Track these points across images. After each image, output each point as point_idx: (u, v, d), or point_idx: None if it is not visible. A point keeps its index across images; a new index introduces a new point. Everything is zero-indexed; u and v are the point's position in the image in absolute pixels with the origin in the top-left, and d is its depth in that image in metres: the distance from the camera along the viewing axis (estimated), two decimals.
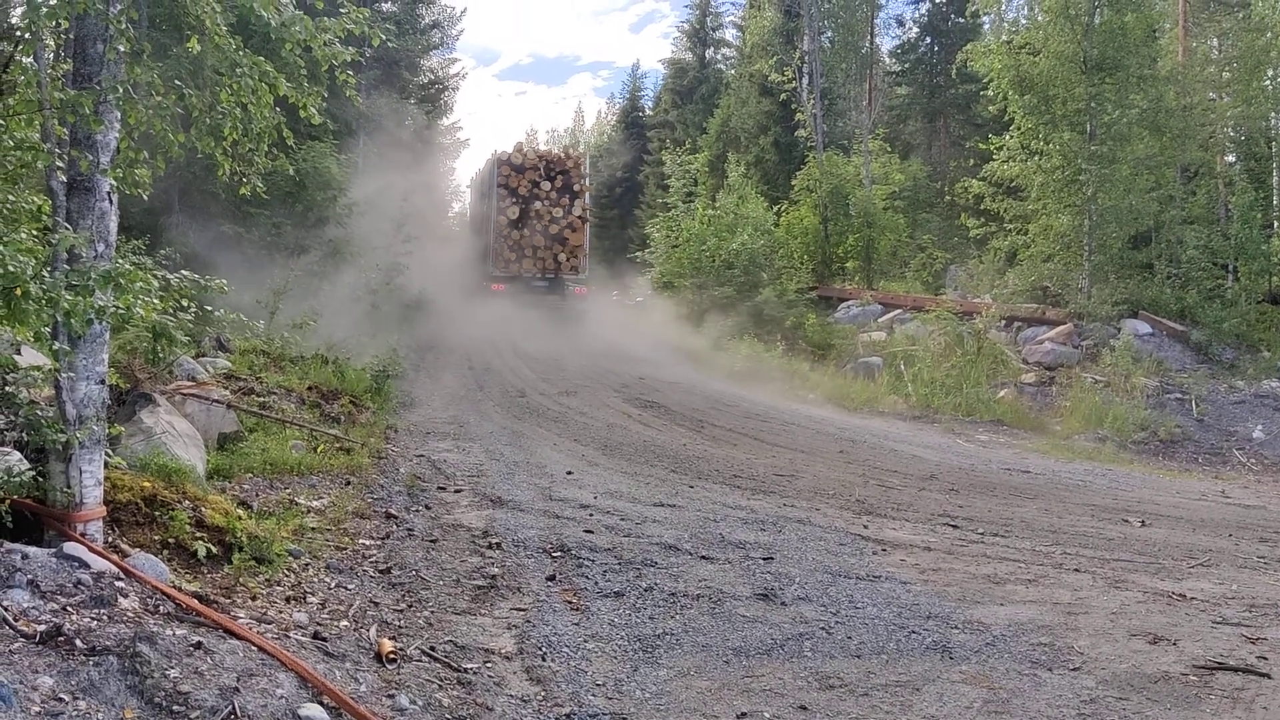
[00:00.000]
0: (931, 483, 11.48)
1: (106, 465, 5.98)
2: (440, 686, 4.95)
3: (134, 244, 12.39)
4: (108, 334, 5.86)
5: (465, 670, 5.15)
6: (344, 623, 5.61)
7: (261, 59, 6.05)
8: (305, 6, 6.12)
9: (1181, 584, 7.39)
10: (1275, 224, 23.92)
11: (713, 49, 58.08)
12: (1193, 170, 25.27)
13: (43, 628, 4.20)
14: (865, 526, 8.90)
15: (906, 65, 43.58)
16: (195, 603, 5.02)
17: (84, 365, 5.59)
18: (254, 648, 4.62)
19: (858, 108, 37.63)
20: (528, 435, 12.93)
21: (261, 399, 11.44)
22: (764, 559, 7.51)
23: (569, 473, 10.55)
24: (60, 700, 3.80)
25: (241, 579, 6.01)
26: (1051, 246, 22.21)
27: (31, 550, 4.97)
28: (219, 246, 21.46)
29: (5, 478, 5.47)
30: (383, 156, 33.60)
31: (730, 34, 57.15)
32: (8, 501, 5.37)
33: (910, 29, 43.28)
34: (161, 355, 9.37)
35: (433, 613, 6.03)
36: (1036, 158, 22.35)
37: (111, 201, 5.64)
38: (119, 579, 5.06)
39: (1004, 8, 25.09)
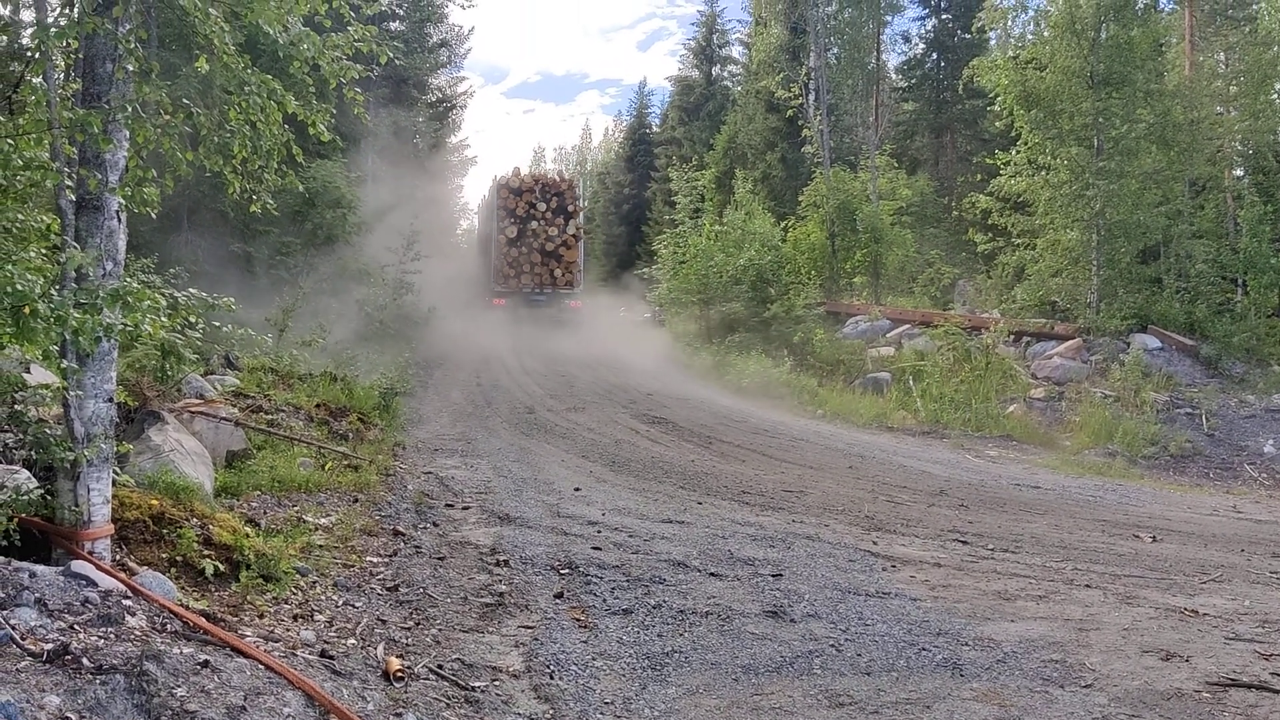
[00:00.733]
0: (941, 498, 11.43)
1: (114, 483, 5.98)
2: (448, 705, 4.93)
3: (143, 262, 12.44)
4: (116, 352, 5.86)
5: (473, 688, 5.12)
6: (351, 641, 5.59)
7: (270, 77, 6.07)
8: (313, 24, 6.15)
9: (1194, 600, 7.34)
10: None
11: (719, 66, 58.29)
12: (1201, 184, 25.23)
13: (50, 646, 4.19)
14: (875, 543, 8.86)
15: (913, 81, 43.61)
16: (203, 621, 5.01)
17: (92, 383, 5.60)
18: (261, 666, 4.61)
19: (864, 123, 37.72)
20: (535, 452, 12.92)
21: (270, 416, 11.45)
22: (773, 576, 7.48)
23: (577, 489, 10.53)
24: (67, 719, 3.78)
25: (249, 597, 5.99)
26: (1060, 261, 22.17)
27: (39, 568, 4.97)
28: (228, 264, 21.56)
29: (13, 496, 5.47)
30: (391, 174, 33.80)
31: (737, 51, 57.41)
32: (16, 519, 5.37)
33: (916, 45, 43.40)
34: (170, 373, 9.37)
35: (440, 630, 6.01)
36: (1044, 172, 22.34)
37: (120, 220, 5.66)
38: (126, 597, 5.05)
39: (1010, 23, 25.10)
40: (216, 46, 5.82)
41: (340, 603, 6.31)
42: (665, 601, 6.72)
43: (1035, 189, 22.51)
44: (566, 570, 7.39)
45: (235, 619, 5.54)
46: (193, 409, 9.60)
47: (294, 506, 8.55)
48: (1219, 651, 6.05)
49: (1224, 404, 17.94)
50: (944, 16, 41.40)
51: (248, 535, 6.66)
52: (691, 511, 9.76)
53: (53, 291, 4.89)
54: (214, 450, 9.13)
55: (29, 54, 5.91)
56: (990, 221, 24.18)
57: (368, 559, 7.42)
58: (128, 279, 5.82)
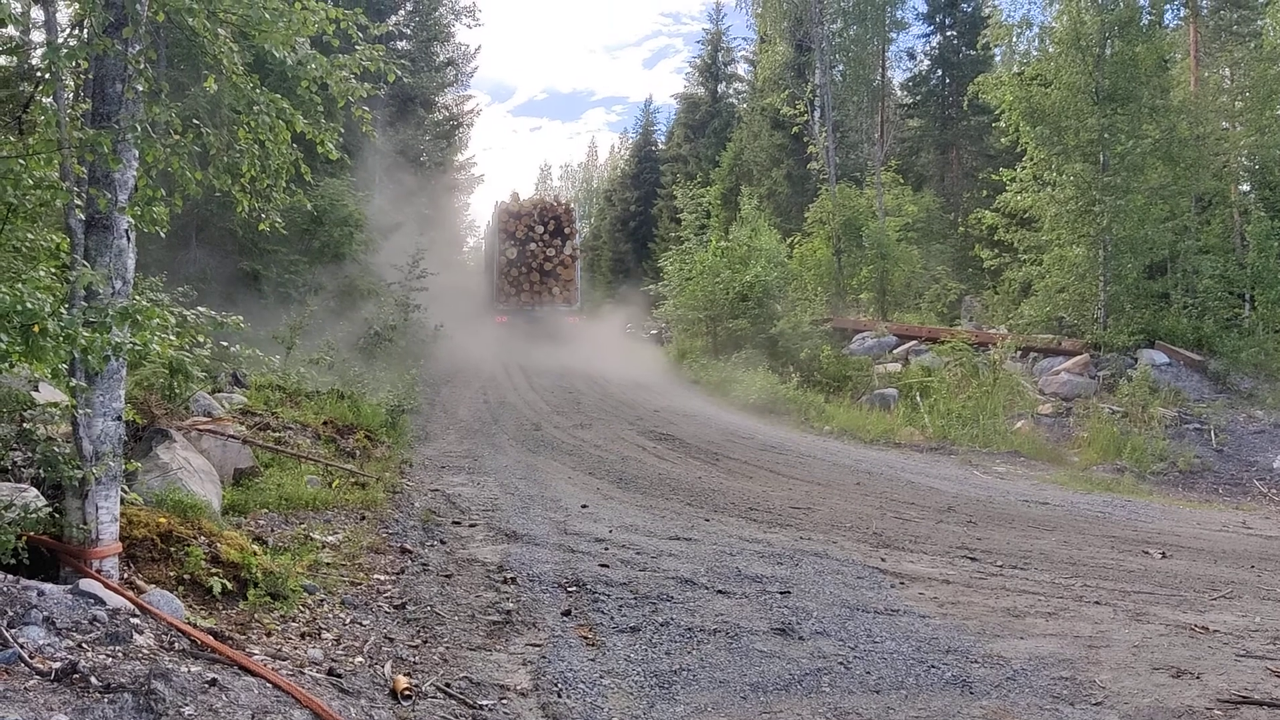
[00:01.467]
0: (949, 515, 11.40)
1: (123, 501, 6.00)
2: None
3: (151, 280, 12.48)
4: (125, 370, 5.89)
5: (480, 707, 5.11)
6: (359, 659, 5.59)
7: (278, 96, 6.11)
8: (321, 44, 6.19)
9: (1204, 616, 7.30)
10: None
11: (725, 83, 58.50)
12: (1207, 199, 25.20)
13: (58, 665, 4.20)
14: (883, 559, 8.83)
15: (918, 97, 43.70)
16: (210, 639, 5.01)
17: (101, 401, 5.62)
18: (269, 684, 4.60)
19: (870, 140, 37.79)
20: (542, 469, 12.92)
21: (277, 434, 11.47)
22: (781, 593, 7.46)
23: (584, 506, 10.52)
24: None
25: (257, 615, 6.00)
26: (1066, 277, 22.14)
27: (47, 587, 4.98)
28: (236, 282, 21.62)
29: (22, 514, 5.48)
30: (398, 192, 33.96)
31: (742, 69, 57.62)
32: (24, 538, 5.39)
33: (921, 62, 43.50)
34: (178, 391, 9.45)
35: (448, 648, 6.00)
36: (1049, 188, 22.35)
37: (129, 239, 5.69)
38: (134, 615, 5.06)
39: (1015, 40, 25.07)
40: (225, 66, 5.87)
41: (348, 621, 6.30)
42: (673, 619, 6.70)
43: (1041, 205, 22.51)
44: (574, 588, 7.37)
45: (243, 637, 5.54)
46: (200, 427, 9.62)
47: (301, 524, 8.55)
48: (1230, 668, 6.01)
49: (1232, 419, 17.88)
50: (949, 33, 41.52)
51: (255, 553, 6.66)
52: (699, 528, 9.74)
53: (62, 310, 4.91)
54: (222, 468, 9.14)
55: (39, 75, 5.97)
56: (996, 237, 24.17)
57: (375, 577, 7.42)
58: (137, 297, 5.85)
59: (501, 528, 9.28)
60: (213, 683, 4.38)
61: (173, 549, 6.30)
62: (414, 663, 5.68)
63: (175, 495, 7.17)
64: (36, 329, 4.63)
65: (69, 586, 5.14)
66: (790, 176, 39.37)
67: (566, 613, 6.80)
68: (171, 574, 6.14)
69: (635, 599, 7.14)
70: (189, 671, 4.43)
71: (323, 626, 6.10)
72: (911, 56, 45.39)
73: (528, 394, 21.41)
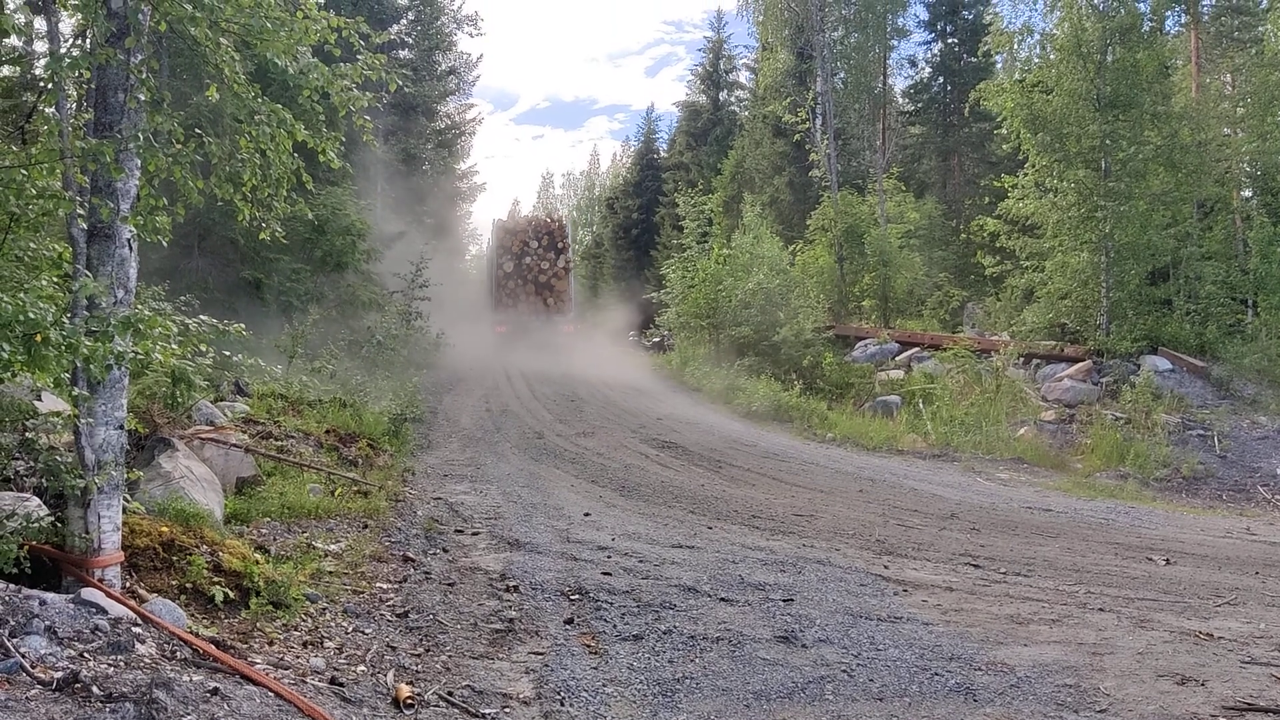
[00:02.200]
0: (952, 522, 11.38)
1: (125, 510, 6.00)
2: None
3: (154, 289, 12.50)
4: (127, 379, 5.89)
5: (483, 715, 5.10)
6: (361, 667, 5.58)
7: (280, 106, 6.12)
8: (322, 54, 6.20)
9: (1208, 623, 7.29)
10: None
11: (726, 91, 58.51)
12: (1209, 206, 25.19)
13: (60, 674, 4.19)
14: (886, 567, 8.82)
15: (920, 105, 43.69)
16: (212, 648, 5.00)
17: (103, 410, 5.62)
18: (271, 693, 4.60)
19: (871, 147, 37.82)
20: (545, 477, 12.91)
21: (279, 443, 11.47)
22: (784, 601, 7.45)
23: (587, 514, 10.51)
24: None
25: (259, 624, 5.99)
26: (1069, 283, 22.13)
27: (49, 596, 4.98)
28: (238, 291, 21.62)
29: (24, 523, 5.48)
30: (400, 201, 34.03)
31: (743, 76, 57.59)
32: (26, 547, 5.39)
33: (923, 69, 43.48)
34: (180, 400, 9.45)
35: (450, 657, 5.99)
36: (1051, 195, 22.35)
37: (131, 248, 5.70)
38: (136, 624, 5.05)
39: (1016, 47, 25.08)
40: (227, 76, 5.88)
41: (350, 629, 6.29)
42: (676, 627, 6.69)
43: (1043, 211, 22.51)
44: (577, 596, 7.36)
45: (245, 646, 5.54)
46: (203, 436, 9.62)
47: (304, 533, 8.55)
48: (1235, 675, 6.00)
49: (1236, 425, 17.85)
50: (950, 41, 41.52)
51: (257, 562, 6.66)
52: (702, 536, 9.73)
53: (64, 319, 4.92)
54: (224, 477, 9.15)
55: (42, 84, 5.99)
56: (998, 244, 24.17)
57: (377, 585, 7.41)
58: (139, 306, 5.85)
59: (504, 536, 9.27)
60: (215, 692, 4.37)
61: (175, 558, 6.29)
62: (416, 671, 5.67)
63: (177, 504, 7.17)
64: (39, 338, 4.64)
65: (71, 596, 5.14)
66: (792, 184, 39.37)
67: (569, 621, 6.79)
68: (174, 583, 6.14)
69: (638, 607, 7.13)
70: (191, 681, 4.43)
71: (325, 635, 6.09)
72: (913, 64, 45.38)
73: (530, 402, 21.41)
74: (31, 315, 4.56)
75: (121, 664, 4.51)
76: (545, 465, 13.90)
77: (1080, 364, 21.13)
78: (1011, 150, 23.85)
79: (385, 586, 7.41)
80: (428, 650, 6.08)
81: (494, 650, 6.19)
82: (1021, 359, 22.24)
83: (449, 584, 7.59)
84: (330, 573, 7.43)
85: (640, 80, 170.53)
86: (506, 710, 5.23)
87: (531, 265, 36.26)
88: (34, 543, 5.51)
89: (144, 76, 5.56)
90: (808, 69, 38.16)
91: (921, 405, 20.56)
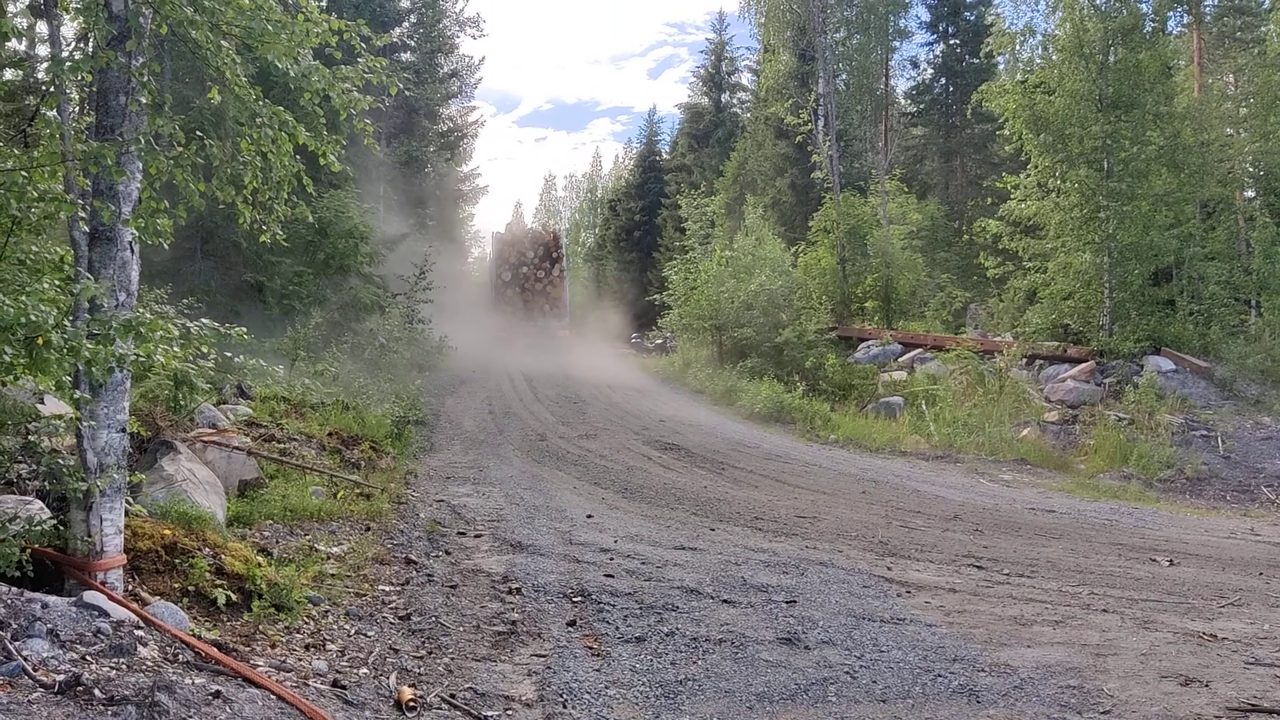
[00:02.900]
0: (955, 523, 11.37)
1: (127, 513, 6.00)
2: None
3: (156, 292, 12.51)
4: (129, 382, 5.89)
5: (485, 718, 5.09)
6: (363, 670, 5.57)
7: (281, 109, 6.12)
8: (323, 56, 6.20)
9: (1212, 624, 7.27)
10: None
11: (728, 93, 58.56)
12: (1212, 206, 25.17)
13: (62, 677, 4.19)
14: (889, 568, 8.81)
15: (922, 106, 43.74)
16: (214, 651, 5.00)
17: (105, 413, 5.62)
18: (273, 696, 4.59)
19: (874, 149, 37.79)
20: (548, 479, 12.90)
21: (282, 446, 11.47)
22: (787, 602, 7.44)
23: (589, 516, 10.51)
24: None
25: (261, 626, 5.99)
26: (1071, 284, 22.10)
27: (52, 599, 4.97)
28: (240, 294, 21.67)
29: (26, 526, 5.48)
30: (402, 204, 34.08)
31: (746, 78, 57.66)
32: (29, 550, 5.39)
33: (925, 70, 43.56)
34: (182, 403, 9.46)
35: (453, 659, 5.98)
36: (1054, 195, 22.32)
37: (133, 251, 5.70)
38: (138, 627, 5.05)
39: (1018, 48, 25.06)
40: (228, 79, 5.88)
41: (352, 632, 6.29)
42: (678, 629, 6.68)
43: (1046, 212, 22.48)
44: (579, 598, 7.36)
45: (247, 649, 5.53)
46: (205, 438, 9.62)
47: (306, 535, 8.55)
48: (1239, 676, 5.98)
49: (1239, 426, 17.82)
50: (952, 42, 41.56)
51: (260, 564, 6.66)
52: (704, 538, 9.72)
53: (66, 322, 4.92)
54: (226, 479, 9.15)
55: (44, 88, 5.99)
56: (1001, 245, 24.15)
57: (380, 588, 7.41)
58: (141, 309, 5.85)
59: (506, 538, 9.27)
60: (217, 695, 4.37)
61: (177, 561, 6.29)
62: (419, 674, 5.67)
63: (180, 507, 7.17)
64: (41, 341, 4.65)
65: (73, 599, 5.14)
66: (794, 185, 39.35)
67: (571, 623, 6.78)
68: (176, 586, 6.14)
69: (641, 609, 7.12)
70: (193, 684, 4.42)
71: (327, 638, 6.09)
72: (915, 65, 45.54)
73: (533, 404, 21.41)
74: (33, 318, 4.57)
75: (124, 667, 4.51)
76: (548, 467, 13.90)
77: (1083, 365, 21.11)
78: (1014, 151, 23.83)
79: (388, 589, 7.41)
80: (430, 653, 6.07)
81: (496, 652, 6.18)
82: (1024, 360, 22.23)
83: (451, 586, 7.59)
84: (332, 575, 7.42)
85: (643, 82, 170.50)
86: (509, 712, 5.22)
87: (528, 274, 39.95)
88: (36, 546, 5.51)
89: (145, 79, 5.57)
90: (810, 70, 38.15)
91: (924, 406, 20.55)
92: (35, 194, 5.37)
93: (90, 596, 5.22)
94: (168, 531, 6.50)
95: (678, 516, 10.89)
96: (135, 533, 6.21)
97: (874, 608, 7.42)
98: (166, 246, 6.05)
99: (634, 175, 65.66)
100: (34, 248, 5.89)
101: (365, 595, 7.15)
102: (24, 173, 5.30)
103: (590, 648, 6.30)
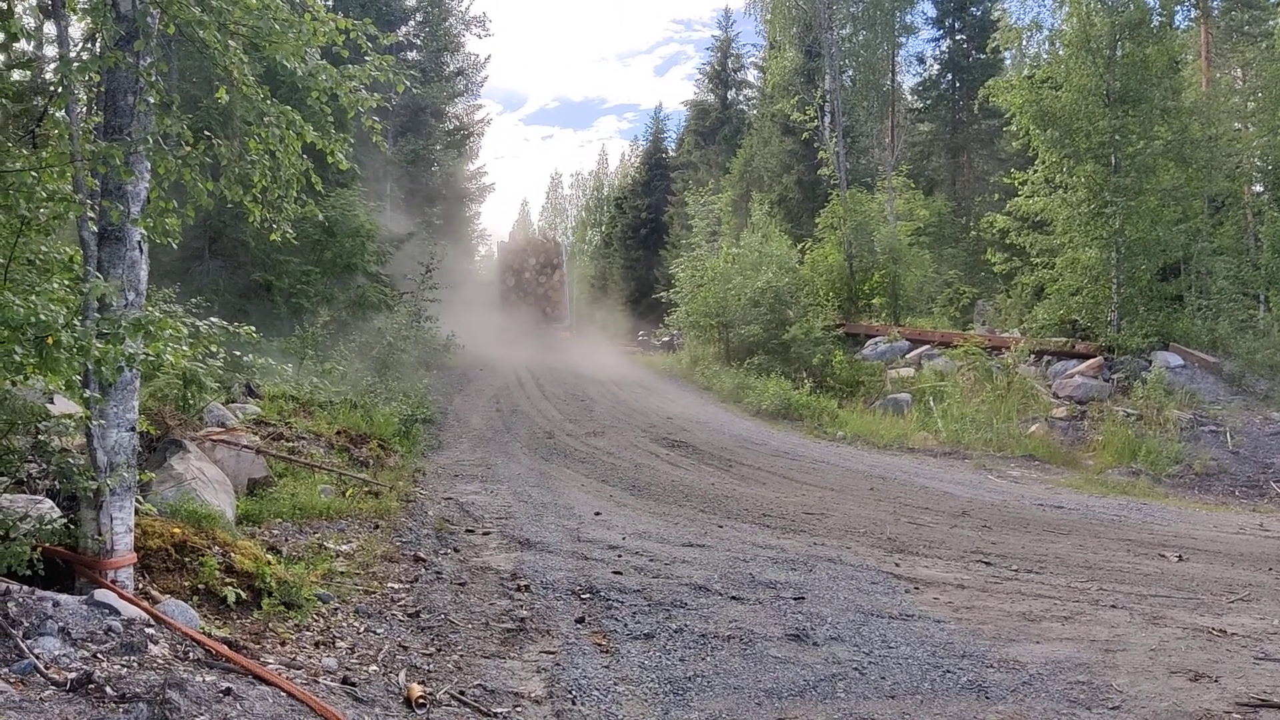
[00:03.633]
0: (963, 519, 11.36)
1: (137, 512, 6.02)
2: None
3: (164, 292, 12.54)
4: (138, 381, 5.91)
5: (495, 715, 5.11)
6: (373, 667, 5.59)
7: (289, 108, 6.14)
8: (330, 55, 6.21)
9: (1222, 619, 7.26)
10: None
11: (734, 90, 58.45)
12: (1220, 201, 25.08)
13: (73, 675, 4.21)
14: (897, 564, 8.80)
15: (928, 102, 43.63)
16: (225, 649, 5.02)
17: (115, 413, 5.64)
18: (283, 693, 4.61)
19: (880, 145, 37.70)
20: (555, 477, 12.92)
21: (290, 444, 11.50)
22: (795, 599, 7.44)
23: (597, 514, 10.52)
24: None
25: (271, 624, 6.01)
26: (1079, 280, 22.04)
27: (63, 598, 5.00)
28: (249, 293, 21.71)
29: (37, 525, 5.51)
30: (409, 202, 34.14)
31: (752, 75, 57.51)
32: (40, 549, 5.41)
33: (931, 66, 43.43)
34: (191, 402, 9.48)
35: (462, 656, 5.99)
36: (1061, 191, 22.25)
37: (142, 250, 5.72)
38: (149, 625, 5.07)
39: (1025, 43, 24.99)
40: (236, 78, 5.90)
41: (362, 629, 6.31)
42: (687, 625, 6.69)
43: (1053, 208, 22.41)
44: (588, 595, 7.37)
45: (257, 646, 5.55)
46: (214, 437, 9.65)
47: (315, 533, 8.57)
48: (1248, 672, 5.97)
49: (1248, 421, 17.77)
50: (958, 37, 41.48)
51: (269, 563, 6.68)
52: (712, 535, 9.73)
53: (75, 322, 4.94)
54: (235, 478, 9.18)
55: (52, 88, 6.01)
56: (1008, 241, 24.10)
57: (389, 585, 7.42)
58: (150, 309, 5.87)
59: (515, 535, 9.28)
60: (227, 692, 4.38)
61: (187, 559, 6.32)
62: (428, 671, 5.68)
63: (189, 505, 7.20)
64: (50, 341, 4.66)
65: (84, 597, 5.16)
66: (801, 182, 39.27)
67: (580, 620, 6.79)
68: (186, 584, 6.16)
69: (649, 606, 7.13)
70: (204, 681, 4.44)
71: (337, 635, 6.10)
72: (921, 61, 45.21)
73: (540, 402, 21.43)
74: (43, 318, 4.58)
75: (135, 664, 4.53)
76: (556, 465, 13.91)
77: (1091, 360, 21.06)
78: (1021, 147, 23.79)
79: (397, 586, 7.42)
80: (439, 650, 6.09)
81: (505, 649, 6.19)
82: (1032, 356, 22.18)
83: (460, 584, 7.60)
84: (342, 573, 7.45)
85: (649, 79, 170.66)
86: (518, 709, 5.23)
87: (530, 280, 43.68)
88: (47, 545, 5.53)
89: (153, 79, 5.58)
90: (816, 67, 38.05)
91: (932, 403, 20.52)
92: (44, 194, 5.38)
93: (101, 595, 5.24)
94: (177, 530, 6.52)
95: (686, 513, 10.90)
96: (145, 531, 6.23)
97: (882, 604, 7.42)
98: (175, 246, 6.07)
99: (640, 173, 65.56)
100: (43, 248, 5.90)
101: (374, 593, 7.17)
102: (33, 173, 5.31)
103: (599, 644, 6.31)
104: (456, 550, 8.71)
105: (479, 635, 6.43)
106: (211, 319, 7.64)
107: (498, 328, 38.64)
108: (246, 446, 9.91)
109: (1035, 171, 23.02)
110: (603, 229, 74.77)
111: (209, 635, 5.32)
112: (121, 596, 5.34)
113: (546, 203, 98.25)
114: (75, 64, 5.29)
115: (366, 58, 6.38)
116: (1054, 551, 9.71)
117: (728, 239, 31.50)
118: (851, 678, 5.80)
